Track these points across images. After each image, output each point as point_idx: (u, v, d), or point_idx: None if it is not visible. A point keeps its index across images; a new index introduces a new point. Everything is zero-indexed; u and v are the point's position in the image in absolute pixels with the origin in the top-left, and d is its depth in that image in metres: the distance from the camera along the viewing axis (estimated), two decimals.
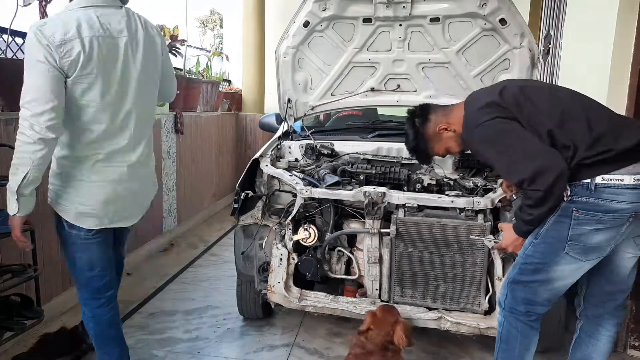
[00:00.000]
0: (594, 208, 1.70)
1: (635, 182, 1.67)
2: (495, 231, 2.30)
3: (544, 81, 4.61)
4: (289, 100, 3.09)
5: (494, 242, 2.18)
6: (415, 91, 3.01)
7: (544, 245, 1.81)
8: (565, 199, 1.75)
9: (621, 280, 1.94)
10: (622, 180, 1.67)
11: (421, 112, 2.12)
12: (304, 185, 2.48)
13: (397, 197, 2.35)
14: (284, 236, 2.52)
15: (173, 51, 4.39)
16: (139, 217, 2.11)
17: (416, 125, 2.10)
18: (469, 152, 2.18)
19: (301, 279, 2.53)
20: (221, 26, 7.59)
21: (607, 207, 1.69)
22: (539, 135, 1.75)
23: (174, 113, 4.46)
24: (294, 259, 2.49)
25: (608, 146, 1.68)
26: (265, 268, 2.57)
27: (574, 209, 1.73)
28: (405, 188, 2.60)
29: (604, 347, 2.02)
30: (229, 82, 7.31)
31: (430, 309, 2.37)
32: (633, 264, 1.91)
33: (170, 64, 2.16)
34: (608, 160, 1.68)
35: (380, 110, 3.80)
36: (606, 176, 1.68)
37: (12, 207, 1.81)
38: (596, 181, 1.69)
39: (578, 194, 1.72)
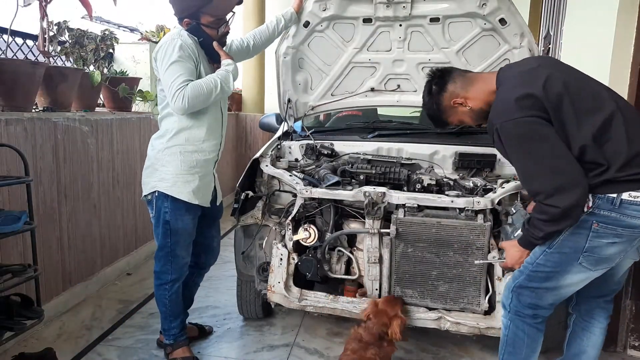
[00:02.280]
0: (614, 222, 1.68)
1: None
2: (496, 232, 2.31)
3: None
4: (289, 100, 3.09)
5: (500, 261, 2.16)
6: (415, 91, 3.01)
7: (558, 255, 1.78)
8: (585, 210, 1.70)
9: (615, 282, 1.99)
10: None
11: (439, 80, 1.95)
12: (304, 185, 2.47)
13: (397, 197, 2.35)
14: (284, 236, 2.52)
15: None
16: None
17: (432, 92, 1.96)
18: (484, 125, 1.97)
19: (301, 279, 2.53)
20: None
21: (627, 222, 1.67)
22: (569, 145, 1.66)
23: None
24: (294, 259, 2.49)
25: None
26: (265, 268, 2.57)
27: (594, 221, 1.69)
28: (405, 188, 2.60)
29: (598, 340, 2.06)
30: None
31: (430, 309, 2.37)
32: (628, 266, 1.95)
33: (163, 75, 2.19)
34: (639, 179, 1.64)
35: (380, 111, 3.80)
36: (633, 193, 1.64)
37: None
38: (622, 197, 1.65)
39: (600, 207, 1.68)
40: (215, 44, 2.28)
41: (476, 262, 2.25)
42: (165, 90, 2.16)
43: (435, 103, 1.96)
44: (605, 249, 1.72)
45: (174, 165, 2.26)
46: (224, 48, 2.39)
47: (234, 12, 2.32)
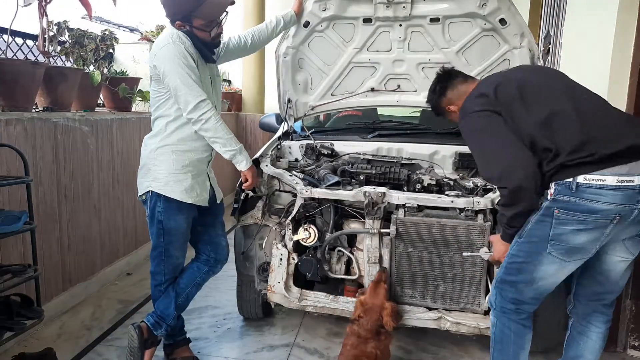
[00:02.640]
0: (574, 208, 1.70)
1: (618, 184, 1.65)
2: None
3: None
4: (289, 100, 3.09)
5: (487, 254, 2.18)
6: (415, 91, 3.01)
7: (527, 244, 1.82)
8: (548, 197, 1.76)
9: (611, 283, 1.94)
10: (604, 180, 1.65)
11: (442, 85, 2.17)
12: (304, 185, 2.48)
13: (397, 197, 2.35)
14: (284, 236, 2.52)
15: None
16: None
17: (436, 91, 2.20)
18: None
19: (301, 279, 2.53)
20: None
21: (588, 207, 1.68)
22: (520, 135, 1.78)
23: None
24: (294, 259, 2.49)
25: (594, 150, 1.67)
26: (265, 268, 2.58)
27: (555, 208, 1.73)
28: (405, 188, 2.61)
29: (596, 345, 2.04)
30: (229, 82, 7.30)
31: (430, 309, 2.37)
32: (624, 267, 1.90)
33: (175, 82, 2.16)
34: (591, 162, 1.67)
35: (380, 111, 3.80)
36: (588, 176, 1.67)
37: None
38: (578, 180, 1.68)
39: (560, 193, 1.72)
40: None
41: (464, 254, 2.26)
42: (182, 96, 2.12)
43: (436, 102, 2.21)
44: (571, 236, 1.73)
45: (167, 164, 2.25)
46: (218, 48, 2.37)
47: (227, 12, 2.29)
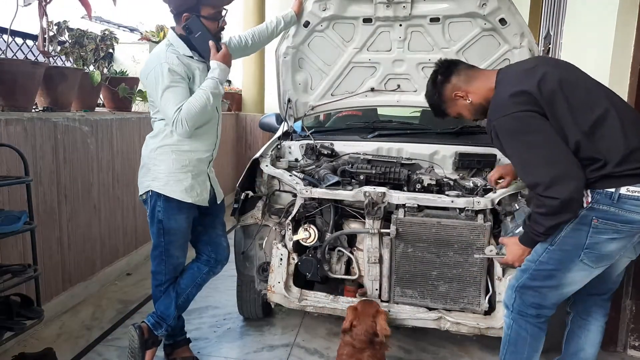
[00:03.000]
0: (613, 218, 1.69)
1: None
2: (496, 232, 2.31)
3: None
4: (289, 100, 3.09)
5: (499, 256, 2.13)
6: (415, 91, 3.01)
7: (560, 252, 1.79)
8: (584, 205, 1.71)
9: (613, 280, 2.00)
10: None
11: (444, 70, 2.02)
12: (304, 185, 2.47)
13: (397, 197, 2.35)
14: (284, 236, 2.52)
15: None
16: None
17: (437, 81, 2.03)
18: (478, 121, 2.10)
19: (301, 279, 2.53)
20: None
21: (626, 217, 1.68)
22: (565, 140, 1.69)
23: None
24: (294, 259, 2.49)
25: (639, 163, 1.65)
26: (265, 268, 2.57)
27: (593, 217, 1.71)
28: (405, 188, 2.60)
29: (596, 338, 2.07)
30: (229, 82, 7.29)
31: (430, 309, 2.37)
32: (626, 264, 1.96)
33: (159, 101, 2.18)
34: (637, 175, 1.66)
35: (380, 111, 3.80)
36: (631, 188, 1.66)
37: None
38: (620, 192, 1.67)
39: (599, 202, 1.69)
40: (210, 43, 2.23)
41: (476, 255, 2.25)
42: (165, 118, 2.19)
43: (438, 92, 2.03)
44: (605, 245, 1.73)
45: (167, 164, 2.24)
46: (220, 43, 2.35)
47: (227, 10, 2.28)
